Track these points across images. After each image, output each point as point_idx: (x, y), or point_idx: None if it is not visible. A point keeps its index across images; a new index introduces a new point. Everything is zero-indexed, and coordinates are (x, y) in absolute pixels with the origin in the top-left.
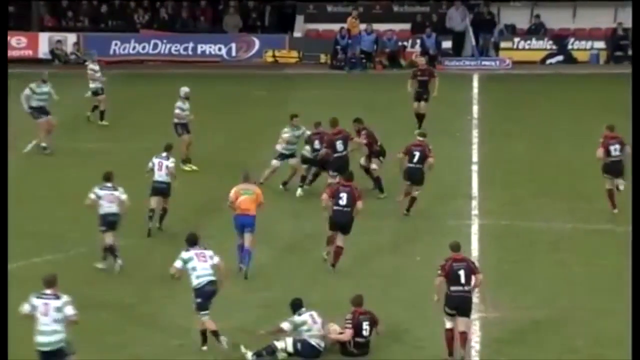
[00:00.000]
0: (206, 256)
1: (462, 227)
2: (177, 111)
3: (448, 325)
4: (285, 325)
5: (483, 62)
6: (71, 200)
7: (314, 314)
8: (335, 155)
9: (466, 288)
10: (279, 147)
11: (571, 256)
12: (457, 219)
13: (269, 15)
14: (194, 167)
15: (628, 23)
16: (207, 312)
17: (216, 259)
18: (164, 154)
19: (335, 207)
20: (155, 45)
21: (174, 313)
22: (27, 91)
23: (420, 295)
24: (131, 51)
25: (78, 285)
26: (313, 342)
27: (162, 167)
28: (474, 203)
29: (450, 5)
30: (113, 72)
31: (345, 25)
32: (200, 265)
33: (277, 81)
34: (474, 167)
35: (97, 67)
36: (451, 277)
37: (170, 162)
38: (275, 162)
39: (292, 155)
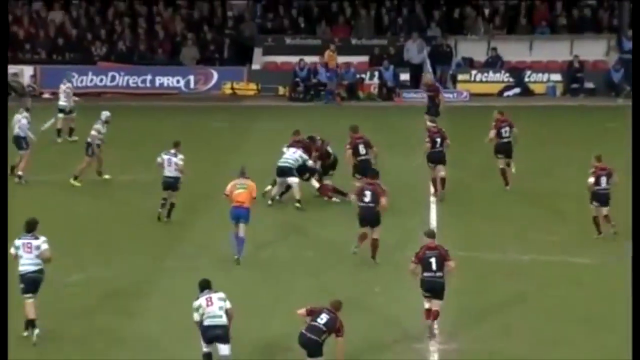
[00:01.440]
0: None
1: None
2: (93, 132)
3: (427, 305)
4: (194, 317)
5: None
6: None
7: (214, 296)
8: (359, 158)
9: (437, 274)
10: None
11: (527, 287)
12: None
13: (227, 48)
14: (78, 184)
15: (584, 56)
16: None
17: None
18: (172, 151)
19: (361, 204)
20: (113, 78)
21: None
22: (24, 121)
23: (378, 327)
24: (89, 83)
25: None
26: (207, 322)
27: (170, 163)
28: None
29: (407, 38)
30: None
31: (303, 58)
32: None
33: (236, 113)
34: (432, 199)
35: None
36: (424, 264)
37: (179, 159)
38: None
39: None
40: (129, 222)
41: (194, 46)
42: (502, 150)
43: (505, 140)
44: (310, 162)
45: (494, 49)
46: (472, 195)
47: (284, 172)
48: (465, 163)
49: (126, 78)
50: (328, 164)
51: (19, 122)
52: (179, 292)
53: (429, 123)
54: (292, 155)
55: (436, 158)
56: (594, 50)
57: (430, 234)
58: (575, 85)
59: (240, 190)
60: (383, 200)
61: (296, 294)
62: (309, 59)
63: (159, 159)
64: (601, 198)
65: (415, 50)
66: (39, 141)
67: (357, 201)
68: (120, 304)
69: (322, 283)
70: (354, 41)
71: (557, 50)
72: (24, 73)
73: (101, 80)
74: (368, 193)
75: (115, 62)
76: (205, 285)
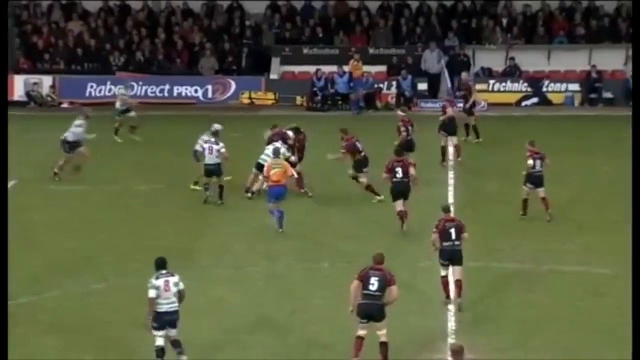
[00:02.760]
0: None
1: (435, 268)
2: (199, 142)
3: (443, 273)
4: (151, 293)
5: (458, 104)
6: (42, 244)
7: (171, 280)
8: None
9: (456, 243)
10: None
11: (545, 297)
12: (430, 260)
13: (245, 58)
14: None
15: (602, 66)
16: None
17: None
18: (213, 139)
19: (394, 179)
20: (132, 87)
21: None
22: (79, 129)
23: (395, 337)
24: (107, 93)
25: (53, 327)
26: (163, 308)
27: (212, 151)
28: None
29: (425, 48)
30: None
31: (320, 67)
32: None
33: (253, 123)
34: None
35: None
36: (444, 235)
37: (221, 147)
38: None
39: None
40: (146, 231)
41: (212, 56)
42: (532, 181)
43: (538, 171)
44: (282, 150)
45: (512, 58)
46: (489, 205)
47: (262, 167)
48: (483, 172)
49: (144, 88)
50: (357, 159)
51: (74, 127)
52: (194, 304)
53: (400, 113)
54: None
55: (407, 146)
56: (612, 59)
57: (447, 209)
58: (593, 95)
59: (275, 169)
60: (412, 171)
61: (312, 308)
62: (327, 69)
63: (198, 147)
64: (535, 180)
65: (433, 59)
66: (57, 152)
67: (390, 178)
68: (138, 314)
69: (337, 294)
70: (371, 51)
71: (575, 59)
72: (43, 83)
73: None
74: (399, 170)
75: (134, 72)
76: (161, 265)
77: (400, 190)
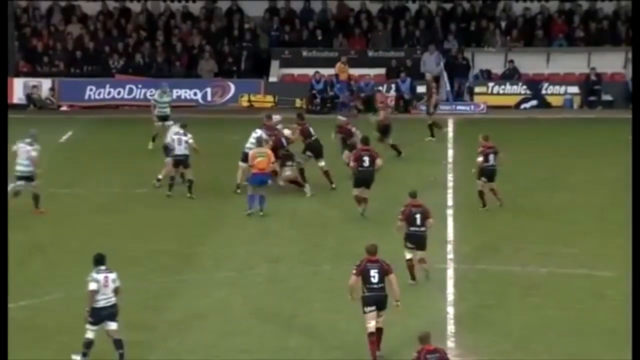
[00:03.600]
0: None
1: (437, 272)
2: (248, 145)
3: (408, 256)
4: (92, 286)
5: (458, 107)
6: (43, 247)
7: (110, 277)
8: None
9: (422, 228)
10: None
11: (546, 300)
12: (432, 263)
13: (244, 60)
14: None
15: (601, 68)
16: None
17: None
18: (182, 131)
19: (361, 168)
20: (131, 90)
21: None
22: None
23: (394, 338)
24: (106, 96)
25: (54, 330)
26: (101, 304)
27: (181, 142)
28: (450, 247)
29: (424, 51)
30: (88, 117)
31: (319, 70)
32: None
33: (252, 126)
34: (449, 212)
35: (166, 99)
36: (410, 219)
37: (189, 138)
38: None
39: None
40: (145, 234)
41: (212, 59)
42: (487, 175)
43: (491, 166)
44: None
45: (511, 61)
46: (490, 207)
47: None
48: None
49: (143, 91)
50: (309, 143)
51: (172, 133)
52: (196, 306)
53: (341, 119)
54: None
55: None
56: (611, 62)
57: (414, 194)
58: (592, 98)
59: (260, 158)
60: (378, 161)
61: (313, 311)
62: (326, 71)
63: (168, 139)
64: (489, 174)
65: (432, 62)
66: (57, 154)
67: (357, 167)
68: (138, 318)
69: (338, 298)
70: (370, 53)
71: (574, 62)
72: (42, 86)
73: (119, 92)
74: (366, 159)
75: (133, 74)
76: (100, 261)
77: (365, 179)
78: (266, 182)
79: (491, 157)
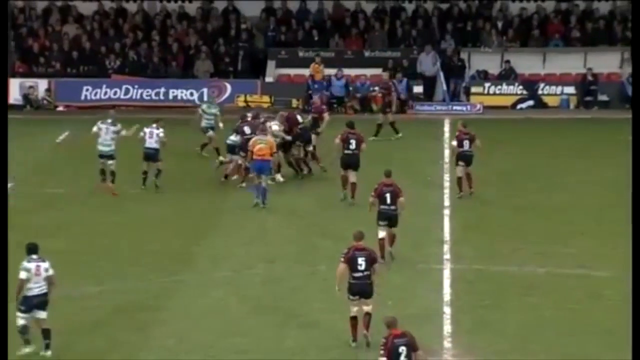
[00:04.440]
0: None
1: (434, 272)
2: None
3: (381, 235)
4: (22, 274)
5: (454, 107)
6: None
7: (42, 265)
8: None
9: (392, 207)
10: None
11: (544, 300)
12: (429, 264)
13: (241, 61)
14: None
15: (597, 68)
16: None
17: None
18: (154, 125)
19: (346, 151)
20: (127, 90)
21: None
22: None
23: None
24: (103, 96)
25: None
26: (32, 292)
27: (152, 135)
28: (446, 247)
29: (421, 51)
30: (84, 118)
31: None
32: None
33: None
34: (446, 212)
35: (213, 111)
36: (381, 198)
37: (160, 132)
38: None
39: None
40: (143, 234)
41: (208, 59)
42: (464, 160)
43: (467, 151)
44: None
45: (508, 61)
46: (487, 208)
47: (234, 149)
48: (479, 175)
49: (140, 91)
50: (297, 133)
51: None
52: (193, 307)
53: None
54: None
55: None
56: (607, 62)
57: (388, 173)
58: (589, 98)
59: (260, 145)
60: (363, 146)
61: (310, 311)
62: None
63: (141, 133)
64: (466, 159)
65: (429, 62)
66: (53, 154)
67: (343, 149)
68: (135, 318)
69: (334, 297)
70: (367, 53)
71: (570, 62)
72: (38, 86)
73: (115, 93)
74: (353, 141)
75: (129, 75)
76: (33, 250)
77: (349, 162)
78: (267, 169)
79: (465, 142)
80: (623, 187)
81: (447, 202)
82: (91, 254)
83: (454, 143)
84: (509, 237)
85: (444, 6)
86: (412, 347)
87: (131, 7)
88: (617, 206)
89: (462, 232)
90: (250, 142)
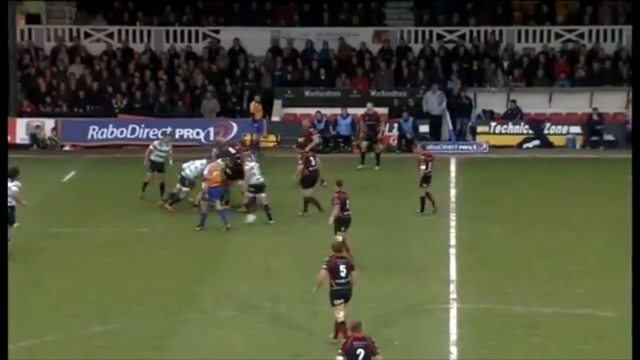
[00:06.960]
0: None
1: (440, 311)
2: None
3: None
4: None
5: (460, 146)
6: (46, 286)
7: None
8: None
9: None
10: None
11: (549, 340)
12: (435, 303)
13: (247, 100)
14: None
15: (603, 108)
16: None
17: None
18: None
19: (311, 168)
20: (134, 130)
21: None
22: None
23: None
24: (109, 136)
25: None
26: None
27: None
28: (452, 287)
29: (427, 90)
30: (91, 157)
31: (321, 110)
32: None
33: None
34: (452, 251)
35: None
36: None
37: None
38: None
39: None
40: (148, 274)
41: (214, 98)
42: (427, 181)
43: (429, 173)
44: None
45: (513, 101)
46: (493, 247)
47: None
48: (485, 214)
49: (146, 130)
50: (305, 175)
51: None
52: (197, 346)
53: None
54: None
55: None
56: (613, 102)
57: (339, 183)
58: (595, 138)
59: (216, 172)
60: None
61: (315, 351)
62: (329, 111)
63: (150, 147)
64: (429, 180)
65: (435, 101)
66: (59, 193)
67: (307, 167)
68: (140, 358)
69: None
70: (373, 93)
71: (576, 102)
72: (45, 126)
73: (122, 132)
74: (312, 159)
75: (136, 114)
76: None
77: (314, 179)
78: (223, 194)
79: (429, 164)
80: (628, 226)
81: (452, 242)
82: (96, 293)
83: (422, 166)
84: (515, 276)
85: (450, 46)
86: (370, 351)
87: (138, 47)
88: (622, 246)
89: (468, 272)
90: (208, 168)
